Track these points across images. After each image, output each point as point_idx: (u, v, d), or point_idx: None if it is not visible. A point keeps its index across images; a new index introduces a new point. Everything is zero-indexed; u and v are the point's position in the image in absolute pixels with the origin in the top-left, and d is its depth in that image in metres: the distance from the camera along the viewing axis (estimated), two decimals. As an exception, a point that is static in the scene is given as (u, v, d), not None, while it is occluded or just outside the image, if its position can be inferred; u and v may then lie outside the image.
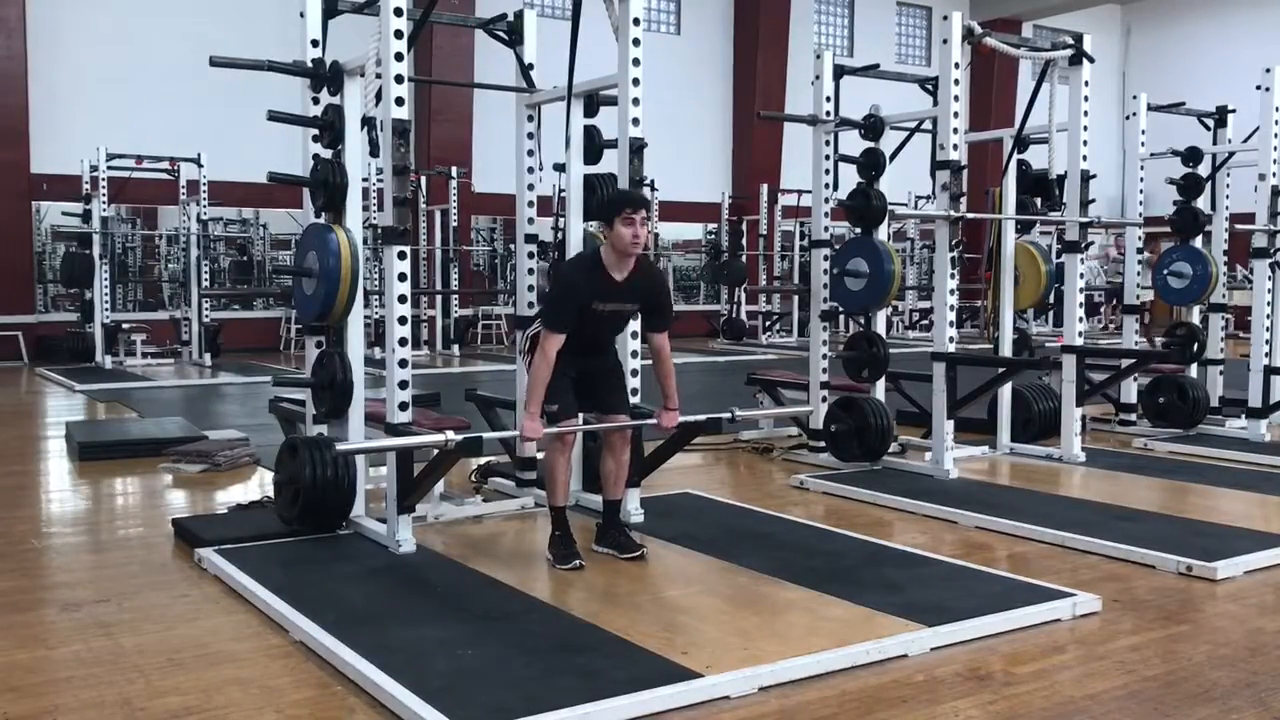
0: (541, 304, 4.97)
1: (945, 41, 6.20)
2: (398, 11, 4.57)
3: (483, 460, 6.14)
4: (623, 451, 4.61)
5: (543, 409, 4.36)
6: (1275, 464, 6.84)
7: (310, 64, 5.06)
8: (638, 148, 5.05)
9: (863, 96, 7.43)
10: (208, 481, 6.41)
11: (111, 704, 3.11)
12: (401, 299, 4.62)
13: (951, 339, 6.40)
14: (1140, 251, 8.68)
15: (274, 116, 5.10)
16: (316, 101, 5.11)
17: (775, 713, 3.09)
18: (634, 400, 5.12)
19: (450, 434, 4.06)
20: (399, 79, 4.58)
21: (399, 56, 4.57)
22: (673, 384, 4.56)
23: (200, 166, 13.69)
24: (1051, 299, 11.02)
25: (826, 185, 7.00)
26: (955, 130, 6.15)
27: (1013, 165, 7.19)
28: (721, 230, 19.12)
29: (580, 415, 4.61)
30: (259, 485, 6.20)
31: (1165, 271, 8.44)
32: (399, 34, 4.58)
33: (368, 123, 4.94)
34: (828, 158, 6.98)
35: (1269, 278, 7.78)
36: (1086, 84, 6.70)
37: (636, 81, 5.04)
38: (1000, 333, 7.31)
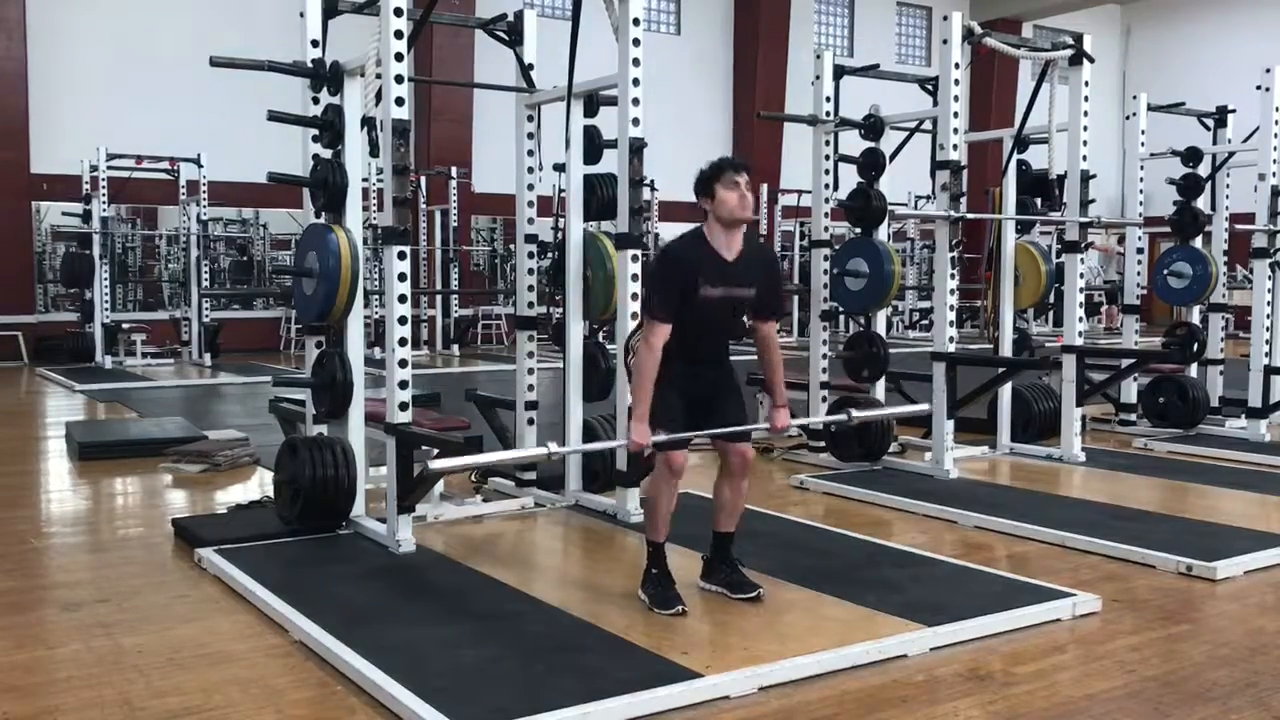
0: (644, 289, 4.28)
1: (945, 41, 6.20)
2: (398, 11, 4.57)
3: (483, 460, 6.14)
4: (742, 479, 3.97)
5: (652, 431, 3.77)
6: (1275, 464, 6.84)
7: (310, 64, 5.06)
8: (638, 148, 5.05)
9: (863, 96, 7.43)
10: (208, 481, 6.41)
11: (111, 704, 3.11)
12: (401, 299, 4.62)
13: (951, 339, 6.40)
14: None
15: (274, 116, 5.10)
16: (316, 101, 5.11)
17: (775, 713, 3.09)
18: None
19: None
20: (399, 79, 4.57)
21: (399, 56, 4.57)
22: (781, 379, 4.07)
23: (200, 166, 13.69)
24: (1051, 299, 11.02)
25: (826, 185, 7.00)
26: (955, 130, 6.15)
27: (1013, 165, 7.19)
28: (721, 230, 19.07)
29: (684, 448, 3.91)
30: (259, 485, 6.20)
31: (1165, 271, 8.44)
32: (399, 34, 4.58)
33: (368, 123, 4.94)
34: (828, 158, 6.98)
35: (1269, 278, 7.78)
36: (1086, 84, 6.70)
37: (636, 81, 5.03)
38: (1000, 333, 7.31)
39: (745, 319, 4.03)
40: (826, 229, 7.00)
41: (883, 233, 7.14)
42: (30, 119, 14.23)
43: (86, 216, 13.46)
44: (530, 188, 5.66)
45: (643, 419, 3.71)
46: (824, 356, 6.96)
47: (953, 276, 6.38)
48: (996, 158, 10.91)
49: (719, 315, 3.85)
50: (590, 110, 5.40)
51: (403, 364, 4.64)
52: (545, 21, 6.61)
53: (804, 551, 4.69)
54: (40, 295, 15.16)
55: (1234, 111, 8.83)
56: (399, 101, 4.59)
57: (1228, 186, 8.77)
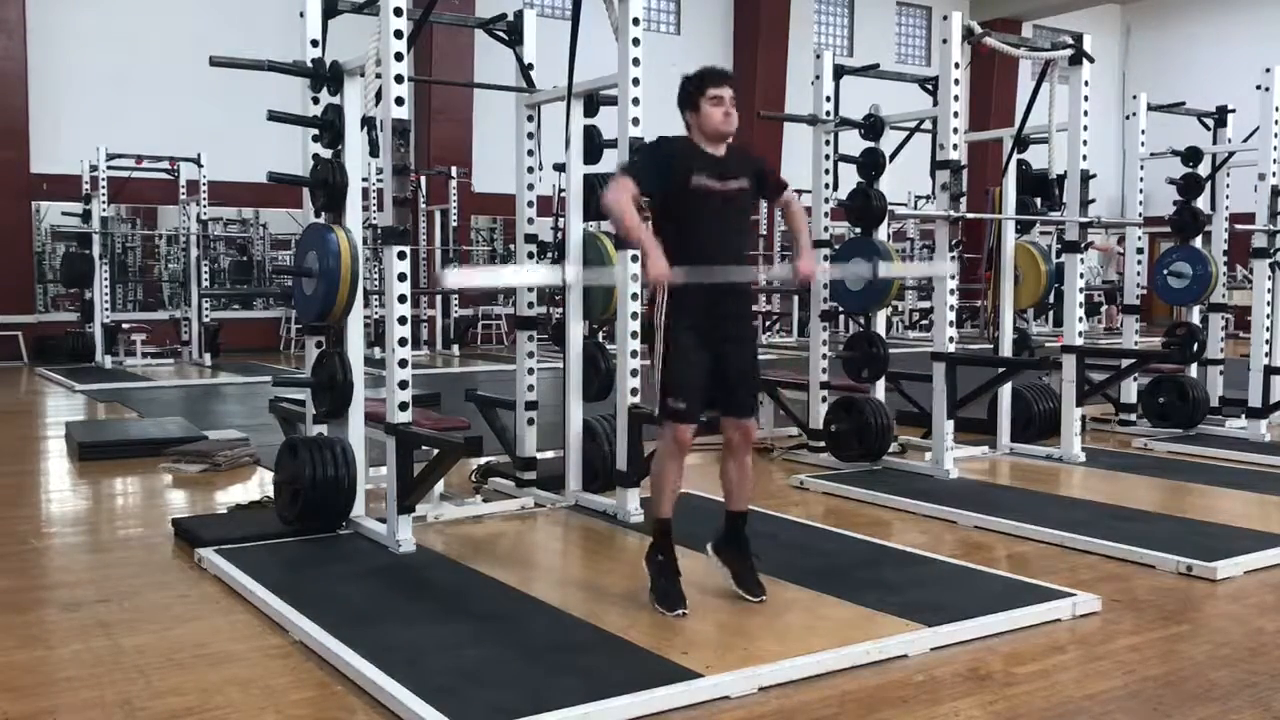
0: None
1: (945, 41, 6.20)
2: (398, 11, 4.57)
3: (483, 460, 6.14)
4: (745, 452, 3.92)
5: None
6: (1275, 464, 6.84)
7: (310, 64, 5.06)
8: (637, 148, 5.05)
9: (863, 96, 7.42)
10: (208, 481, 6.41)
11: (111, 704, 3.11)
12: (401, 299, 4.62)
13: (951, 339, 6.40)
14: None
15: (274, 116, 5.10)
16: (316, 101, 5.11)
17: (775, 713, 3.09)
18: (634, 400, 5.13)
19: None
20: (399, 79, 4.57)
21: (399, 56, 4.57)
22: (806, 230, 4.05)
23: (200, 166, 13.70)
24: (1051, 299, 11.02)
25: (826, 185, 7.00)
26: (955, 130, 6.15)
27: (1013, 165, 7.19)
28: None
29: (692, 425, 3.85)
30: (259, 485, 6.19)
31: (1165, 271, 8.44)
32: (399, 34, 4.58)
33: (368, 123, 4.94)
34: (828, 158, 6.99)
35: (1269, 278, 7.78)
36: (1086, 84, 6.69)
37: (636, 81, 5.04)
38: (1000, 333, 7.31)
39: (753, 209, 4.03)
40: (826, 229, 7.00)
41: (882, 232, 7.14)
42: (30, 119, 14.24)
43: (86, 216, 13.46)
44: (530, 188, 5.66)
45: (653, 250, 3.60)
46: (824, 356, 6.95)
47: (953, 276, 6.37)
48: (996, 158, 10.92)
49: (718, 214, 3.80)
50: (590, 110, 5.40)
51: (403, 364, 4.64)
52: (545, 21, 6.61)
53: (804, 551, 4.69)
54: (40, 295, 15.15)
55: (1234, 111, 8.82)
56: (399, 101, 4.59)
57: (1228, 186, 8.77)
